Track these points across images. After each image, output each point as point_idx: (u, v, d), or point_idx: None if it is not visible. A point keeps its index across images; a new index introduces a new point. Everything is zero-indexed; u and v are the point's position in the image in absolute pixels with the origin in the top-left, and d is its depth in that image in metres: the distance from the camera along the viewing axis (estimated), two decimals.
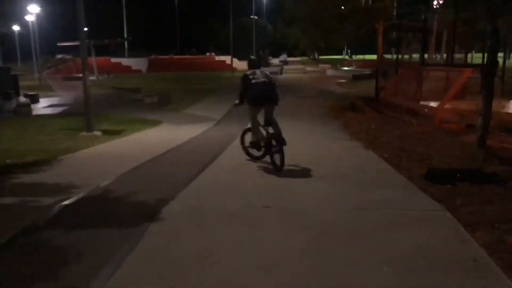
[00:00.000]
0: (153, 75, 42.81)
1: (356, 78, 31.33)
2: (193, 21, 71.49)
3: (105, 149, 8.83)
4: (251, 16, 52.45)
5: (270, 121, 6.90)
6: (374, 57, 67.80)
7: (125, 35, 53.18)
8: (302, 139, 9.54)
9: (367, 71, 33.71)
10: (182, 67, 48.83)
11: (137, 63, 48.46)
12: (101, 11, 56.12)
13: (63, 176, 6.04)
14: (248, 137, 7.42)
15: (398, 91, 14.09)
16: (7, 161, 7.09)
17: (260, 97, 6.85)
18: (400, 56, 17.70)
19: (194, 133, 11.10)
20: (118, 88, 23.47)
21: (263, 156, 6.94)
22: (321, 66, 54.69)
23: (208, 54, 60.31)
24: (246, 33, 58.72)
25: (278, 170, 6.33)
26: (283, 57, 64.34)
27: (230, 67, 51.18)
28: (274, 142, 6.55)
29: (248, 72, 7.06)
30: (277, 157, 6.43)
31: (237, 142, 8.12)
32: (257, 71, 7.02)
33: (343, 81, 31.02)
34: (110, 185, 5.65)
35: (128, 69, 47.16)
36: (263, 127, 7.06)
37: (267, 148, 6.72)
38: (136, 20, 62.33)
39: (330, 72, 39.07)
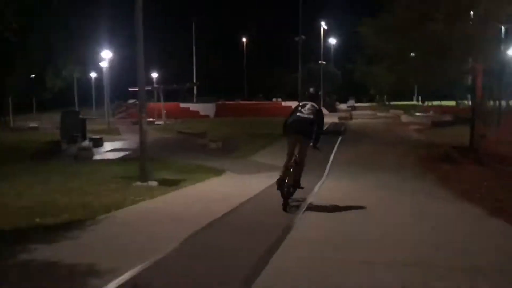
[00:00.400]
0: (220, 120, 42.45)
1: (436, 125, 28.54)
2: (259, 67, 72.04)
3: (157, 205, 7.36)
4: (319, 62, 51.45)
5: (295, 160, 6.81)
6: (450, 103, 63.69)
7: (194, 81, 54.02)
8: (394, 200, 7.56)
9: (448, 118, 30.80)
10: (249, 112, 48.29)
11: (205, 108, 48.70)
12: (172, 56, 58.07)
13: (88, 252, 4.55)
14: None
15: (504, 140, 11.67)
16: (36, 220, 5.77)
17: (292, 125, 6.86)
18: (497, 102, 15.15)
19: (261, 185, 9.44)
20: (183, 132, 22.71)
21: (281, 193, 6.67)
22: (393, 111, 51.86)
23: (274, 99, 59.74)
24: (313, 79, 57.67)
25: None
26: (351, 102, 62.31)
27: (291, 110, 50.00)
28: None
29: (300, 104, 7.04)
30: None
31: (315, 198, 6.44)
32: (309, 105, 6.95)
33: (422, 128, 28.36)
34: (145, 272, 3.99)
35: (196, 114, 47.42)
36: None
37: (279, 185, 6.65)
38: (205, 66, 63.70)
39: (404, 118, 36.43)
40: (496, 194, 7.52)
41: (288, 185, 6.69)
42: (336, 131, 23.35)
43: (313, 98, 7.22)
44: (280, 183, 6.63)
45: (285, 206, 6.55)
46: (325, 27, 50.40)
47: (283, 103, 55.78)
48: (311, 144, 6.98)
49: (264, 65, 73.21)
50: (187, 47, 56.02)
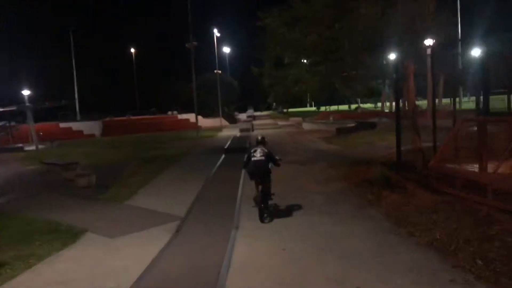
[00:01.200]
0: (107, 140, 37.03)
1: (341, 132, 26.76)
2: (152, 80, 66.91)
3: None
4: (215, 71, 48.26)
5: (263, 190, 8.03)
6: (344, 107, 64.54)
7: (76, 97, 47.45)
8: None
9: (350, 124, 29.33)
10: (141, 128, 43.38)
11: (90, 127, 42.64)
12: (50, 72, 50.65)
13: None
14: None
15: (458, 155, 9.10)
16: None
17: (253, 173, 8.17)
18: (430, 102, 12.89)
19: (135, 264, 5.64)
20: (48, 163, 17.63)
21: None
22: (292, 119, 50.51)
23: (170, 113, 55.27)
24: (210, 89, 54.36)
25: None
26: (250, 111, 60.19)
27: (195, 125, 46.34)
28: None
29: (252, 150, 8.44)
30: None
31: None
32: (258, 149, 8.31)
33: (328, 136, 26.37)
34: None
35: (79, 134, 41.22)
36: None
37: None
38: (89, 81, 56.91)
39: (306, 125, 34.64)
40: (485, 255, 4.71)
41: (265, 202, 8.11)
42: (240, 148, 20.03)
43: (260, 143, 8.58)
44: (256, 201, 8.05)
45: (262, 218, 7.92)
46: (218, 34, 47.40)
47: (179, 116, 51.59)
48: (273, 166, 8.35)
49: (158, 76, 68.24)
50: (67, 62, 49.04)
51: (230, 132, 35.25)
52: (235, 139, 25.36)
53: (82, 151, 25.92)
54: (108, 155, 22.68)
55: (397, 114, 12.64)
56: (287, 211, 8.54)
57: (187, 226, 7.86)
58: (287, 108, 76.28)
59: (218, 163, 16.37)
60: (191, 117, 50.74)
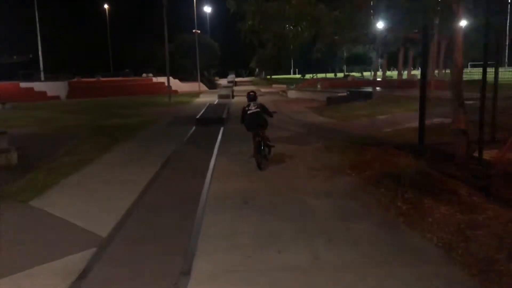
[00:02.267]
0: (71, 103, 32.98)
1: (332, 101, 23.49)
2: (127, 40, 61.80)
3: None
4: (193, 31, 43.78)
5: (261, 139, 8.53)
6: (330, 75, 60.91)
7: (40, 54, 42.55)
8: None
9: (342, 93, 26.00)
10: (112, 91, 39.22)
11: (55, 88, 38.20)
12: (6, 24, 45.10)
13: None
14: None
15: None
16: None
17: (251, 124, 8.67)
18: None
19: None
20: None
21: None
22: (276, 86, 46.88)
23: (144, 75, 50.88)
24: (188, 51, 49.98)
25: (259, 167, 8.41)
26: (231, 77, 56.22)
27: (168, 90, 42.25)
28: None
29: (246, 106, 8.84)
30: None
31: None
32: (251, 104, 8.81)
33: (317, 105, 23.08)
34: None
35: (42, 95, 36.86)
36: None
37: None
38: (56, 37, 51.62)
39: (292, 94, 31.14)
40: None
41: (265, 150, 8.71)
42: (216, 118, 16.55)
43: (252, 99, 8.98)
44: (255, 155, 8.49)
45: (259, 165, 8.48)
46: None
47: (155, 79, 47.32)
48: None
49: (133, 36, 63.09)
50: (29, 13, 43.57)
51: (207, 98, 31.57)
52: (211, 107, 21.80)
53: (34, 115, 22.08)
54: (61, 121, 18.95)
55: (423, 83, 9.32)
56: (276, 232, 5.26)
57: (101, 266, 4.49)
58: (270, 74, 72.35)
59: (185, 138, 12.96)
60: (164, 80, 46.73)
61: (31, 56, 37.06)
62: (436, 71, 35.50)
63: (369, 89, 27.08)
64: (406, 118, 14.79)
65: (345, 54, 63.73)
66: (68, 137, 14.02)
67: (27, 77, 40.56)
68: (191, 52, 48.31)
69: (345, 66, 69.27)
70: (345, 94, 25.31)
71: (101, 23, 60.19)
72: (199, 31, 44.08)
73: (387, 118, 16.01)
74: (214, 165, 9.14)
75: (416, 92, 11.15)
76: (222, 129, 14.46)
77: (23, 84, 38.05)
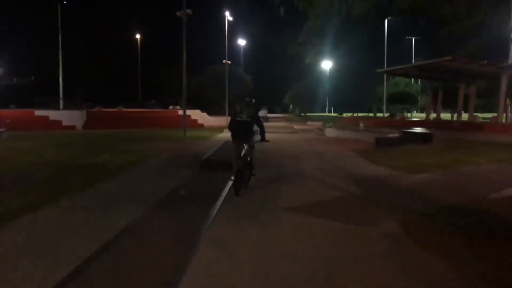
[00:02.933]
0: (84, 133, 29.45)
1: (382, 143, 18.49)
2: (158, 70, 59.27)
3: None
4: (224, 61, 40.20)
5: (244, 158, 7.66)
6: (363, 115, 55.55)
7: (60, 81, 39.88)
8: None
9: (393, 133, 20.98)
10: (133, 123, 35.71)
11: (71, 117, 35.08)
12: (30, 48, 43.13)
13: None
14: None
15: None
16: None
17: (237, 132, 8.03)
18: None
19: None
20: None
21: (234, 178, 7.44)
22: (311, 123, 42.23)
23: (171, 107, 47.48)
24: (219, 83, 46.40)
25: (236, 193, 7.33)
26: (263, 112, 52.00)
27: (196, 123, 38.44)
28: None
29: (238, 111, 7.96)
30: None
31: None
32: (245, 111, 7.91)
33: (365, 148, 18.16)
34: None
35: (57, 125, 33.72)
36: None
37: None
38: (81, 62, 49.36)
39: (330, 132, 26.34)
40: None
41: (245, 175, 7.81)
42: (225, 162, 11.79)
43: (248, 105, 8.00)
44: (236, 178, 7.50)
45: (238, 192, 7.52)
46: (230, 18, 39.39)
47: (180, 112, 43.71)
48: (258, 141, 7.97)
49: (163, 67, 60.63)
50: (53, 39, 41.43)
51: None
52: (226, 145, 17.25)
53: (18, 146, 18.23)
54: (37, 156, 14.83)
55: None
56: None
57: None
58: (305, 111, 67.90)
59: (168, 193, 8.31)
60: (194, 113, 43.02)
61: (33, 78, 34.17)
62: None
63: (427, 131, 21.91)
64: (506, 174, 9.76)
65: (384, 92, 58.74)
66: (19, 178, 9.82)
67: (42, 104, 37.70)
68: (222, 84, 44.66)
69: (384, 105, 63.90)
70: (397, 135, 20.26)
71: (132, 52, 58.07)
72: (229, 62, 40.40)
73: (473, 172, 10.89)
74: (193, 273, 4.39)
75: (485, 137, 6.20)
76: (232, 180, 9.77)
77: (38, 112, 35.12)
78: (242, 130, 7.82)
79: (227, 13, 38.74)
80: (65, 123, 34.60)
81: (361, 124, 29.79)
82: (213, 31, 41.29)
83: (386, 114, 70.21)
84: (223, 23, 40.09)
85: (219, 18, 39.37)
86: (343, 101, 78.03)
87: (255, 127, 8.13)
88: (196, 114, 42.09)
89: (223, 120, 40.19)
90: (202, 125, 38.92)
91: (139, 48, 57.20)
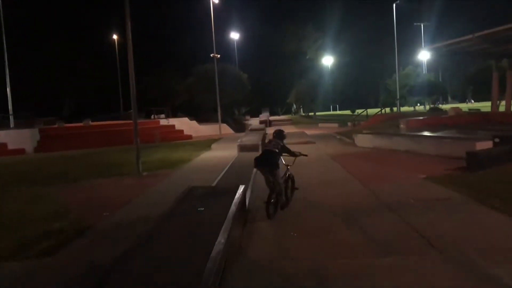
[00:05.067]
0: (38, 158, 21.29)
1: (479, 162, 10.12)
2: (141, 74, 51.02)
3: None
4: (212, 55, 31.74)
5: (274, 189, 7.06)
6: (375, 110, 46.90)
7: (8, 92, 31.44)
8: None
9: (482, 140, 12.63)
10: (100, 139, 27.53)
11: (20, 138, 26.91)
12: None
13: None
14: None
15: None
16: None
17: (258, 160, 7.16)
18: None
19: None
20: None
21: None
22: (324, 126, 33.92)
23: (154, 117, 39.18)
24: (211, 85, 37.91)
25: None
26: (265, 115, 43.67)
27: (182, 134, 30.02)
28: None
29: (266, 141, 8.09)
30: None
31: None
32: (273, 141, 7.46)
33: (444, 172, 9.90)
34: None
35: (1, 148, 25.53)
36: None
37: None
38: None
39: (363, 140, 17.86)
40: None
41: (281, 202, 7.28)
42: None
43: (277, 137, 7.55)
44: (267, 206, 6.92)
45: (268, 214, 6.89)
46: (216, 0, 31.01)
47: (165, 121, 35.27)
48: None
49: (148, 70, 52.41)
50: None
51: (222, 151, 18.90)
52: (198, 194, 8.85)
53: None
54: None
55: None
56: None
57: None
58: (313, 111, 59.29)
59: None
60: (180, 122, 34.72)
61: None
62: None
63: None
64: None
65: (397, 84, 50.26)
66: None
67: None
68: (214, 85, 36.34)
69: (398, 99, 54.69)
70: (494, 140, 11.95)
71: (110, 56, 49.83)
72: (218, 56, 32.00)
73: None
74: None
75: None
76: None
77: None
78: (265, 157, 7.09)
79: None
80: (11, 146, 26.33)
81: (401, 125, 21.38)
82: (205, 24, 33.75)
83: (424, 108, 61.41)
84: (209, 9, 31.78)
85: (209, 11, 30.97)
86: (347, 97, 69.64)
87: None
88: (182, 124, 33.82)
89: (215, 129, 31.91)
90: (189, 137, 30.64)
91: (116, 51, 48.89)
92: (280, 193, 7.17)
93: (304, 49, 64.57)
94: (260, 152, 7.34)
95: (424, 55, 62.09)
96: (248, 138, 19.15)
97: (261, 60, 60.17)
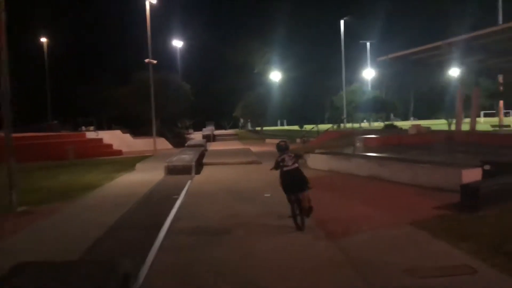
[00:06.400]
0: None
1: (477, 201, 7.25)
2: (72, 81, 45.97)
3: None
4: (146, 60, 27.83)
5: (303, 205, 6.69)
6: (326, 126, 44.97)
7: None
8: None
9: (469, 167, 9.91)
10: (20, 154, 22.45)
11: None
12: None
13: None
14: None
15: None
16: None
17: (292, 186, 6.71)
18: None
19: None
20: None
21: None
22: (271, 142, 30.87)
23: (83, 128, 34.32)
24: (148, 95, 33.72)
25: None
26: (209, 129, 40.04)
27: (109, 149, 25.57)
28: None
29: (279, 159, 6.96)
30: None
31: None
32: (286, 157, 6.93)
33: (432, 213, 6.92)
34: None
35: None
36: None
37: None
38: None
39: (318, 161, 14.75)
40: None
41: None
42: None
43: (285, 149, 7.16)
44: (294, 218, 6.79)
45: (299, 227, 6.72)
46: (153, 0, 27.24)
47: (94, 134, 30.65)
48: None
49: (80, 77, 47.16)
50: None
51: (148, 171, 15.14)
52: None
53: None
54: None
55: None
56: None
57: None
58: (260, 125, 56.36)
59: None
60: (111, 135, 30.34)
61: None
62: None
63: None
64: None
65: (344, 100, 48.76)
66: None
67: None
68: (155, 96, 32.19)
69: (345, 115, 52.96)
70: (482, 168, 9.27)
71: (38, 60, 44.18)
72: (155, 61, 28.13)
73: None
74: None
75: None
76: None
77: None
78: (297, 179, 6.69)
79: None
80: None
81: (358, 144, 18.66)
82: (145, 29, 29.91)
83: (370, 124, 60.18)
84: (148, 11, 27.92)
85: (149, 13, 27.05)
86: (294, 112, 67.60)
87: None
88: (113, 137, 29.49)
89: (149, 144, 27.84)
90: (119, 152, 26.38)
91: (45, 56, 43.39)
92: (310, 209, 6.81)
93: (252, 63, 62.14)
94: (292, 167, 6.75)
95: (369, 73, 61.68)
96: (180, 157, 15.52)
97: (207, 71, 56.78)
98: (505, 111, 35.35)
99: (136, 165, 17.24)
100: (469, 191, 7.49)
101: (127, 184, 12.66)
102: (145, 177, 13.94)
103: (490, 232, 6.06)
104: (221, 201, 9.52)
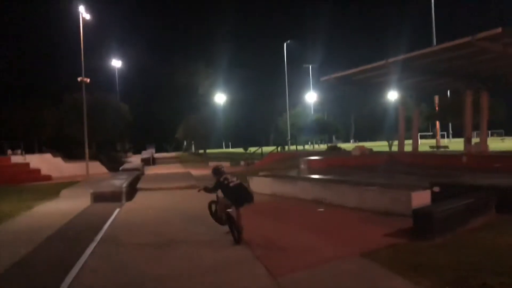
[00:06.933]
0: None
1: (433, 226, 6.69)
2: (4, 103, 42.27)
3: None
4: (79, 79, 25.85)
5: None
6: (269, 148, 44.68)
7: None
8: None
9: (420, 190, 9.44)
10: None
11: None
12: None
13: None
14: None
15: None
16: None
17: (241, 198, 6.89)
18: None
19: None
20: None
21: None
22: (213, 164, 29.66)
23: (9, 152, 31.19)
24: (81, 116, 31.43)
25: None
26: (148, 152, 38.14)
27: (26, 174, 22.93)
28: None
29: (221, 179, 7.05)
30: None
31: None
32: (228, 176, 7.14)
33: (385, 242, 6.21)
34: None
35: None
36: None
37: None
38: None
39: (260, 185, 13.89)
40: None
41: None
42: None
43: (221, 174, 7.20)
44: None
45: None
46: (87, 16, 25.52)
47: (20, 158, 27.81)
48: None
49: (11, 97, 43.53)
50: None
51: (74, 198, 13.47)
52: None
53: None
54: None
55: None
56: None
57: None
58: (202, 148, 55.04)
59: None
60: (40, 159, 27.73)
61: None
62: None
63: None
64: None
65: (288, 123, 49.09)
66: None
67: None
68: (91, 116, 29.97)
69: (290, 139, 53.31)
70: (431, 190, 8.81)
71: None
72: (87, 80, 26.24)
73: None
74: None
75: None
76: None
77: None
78: (244, 192, 6.95)
79: (81, 8, 24.87)
80: None
81: (302, 166, 18.05)
82: (79, 47, 27.73)
83: (312, 147, 60.47)
84: (80, 27, 26.11)
85: (82, 29, 25.19)
86: (239, 134, 67.14)
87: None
88: (42, 161, 26.90)
89: (82, 168, 25.67)
90: (48, 178, 23.98)
91: None
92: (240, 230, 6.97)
93: (196, 84, 61.10)
94: (237, 181, 6.85)
95: (311, 96, 62.77)
96: (110, 183, 13.97)
97: (149, 92, 54.90)
98: (440, 132, 36.84)
99: (61, 191, 15.38)
100: (422, 216, 6.85)
101: (45, 215, 10.97)
102: (69, 205, 12.29)
103: (451, 263, 5.37)
104: (151, 234, 8.24)
